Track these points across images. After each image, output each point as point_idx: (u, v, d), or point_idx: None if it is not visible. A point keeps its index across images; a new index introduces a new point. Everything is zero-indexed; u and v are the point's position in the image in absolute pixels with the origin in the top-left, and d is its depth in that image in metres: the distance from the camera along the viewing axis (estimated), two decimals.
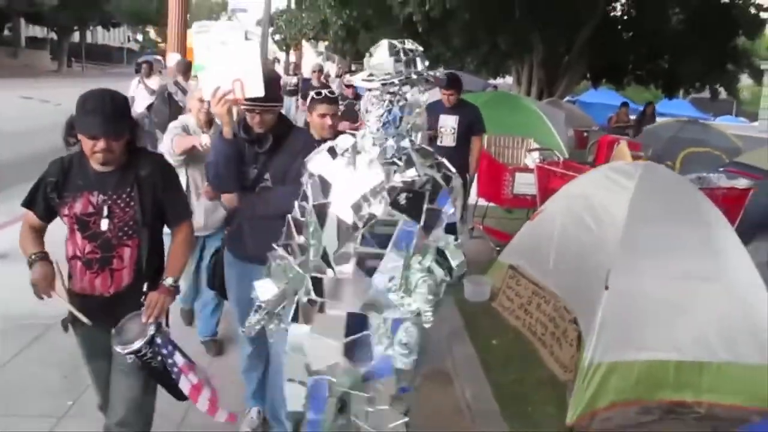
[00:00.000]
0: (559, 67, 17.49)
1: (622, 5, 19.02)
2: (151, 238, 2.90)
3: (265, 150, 3.29)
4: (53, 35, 51.05)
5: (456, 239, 2.51)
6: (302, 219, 2.63)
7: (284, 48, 38.35)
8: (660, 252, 4.11)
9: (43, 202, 2.87)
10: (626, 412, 3.96)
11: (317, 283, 2.56)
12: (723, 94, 21.05)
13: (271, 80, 3.18)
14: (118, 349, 2.74)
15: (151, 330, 2.76)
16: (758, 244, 6.05)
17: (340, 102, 3.61)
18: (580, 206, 4.84)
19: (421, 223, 2.42)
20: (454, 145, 6.56)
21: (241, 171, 3.29)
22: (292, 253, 2.66)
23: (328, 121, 3.75)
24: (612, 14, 18.83)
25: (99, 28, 61.27)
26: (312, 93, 3.90)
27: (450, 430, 3.99)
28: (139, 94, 12.70)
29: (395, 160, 2.42)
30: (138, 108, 12.15)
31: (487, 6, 14.59)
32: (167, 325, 2.98)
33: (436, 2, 13.42)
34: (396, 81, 2.32)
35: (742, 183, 6.92)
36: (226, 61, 3.02)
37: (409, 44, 2.41)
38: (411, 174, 2.42)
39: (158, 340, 2.77)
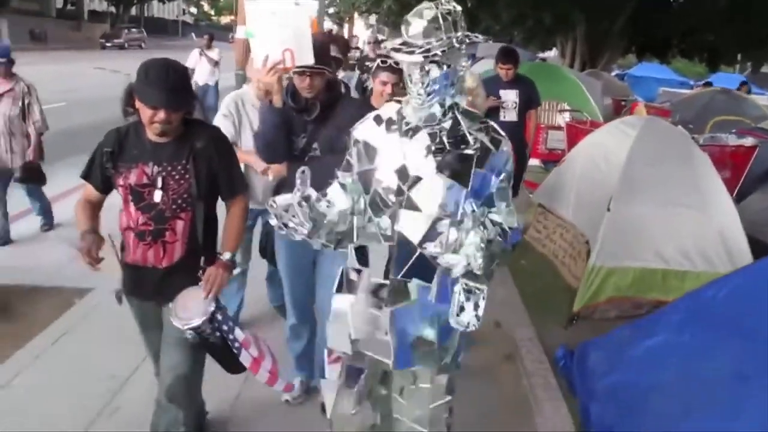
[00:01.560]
0: (601, 42, 18.29)
1: None
2: (206, 211, 2.88)
3: (313, 119, 3.27)
4: (112, 8, 53.06)
5: (508, 205, 2.42)
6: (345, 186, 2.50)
7: (338, 21, 39.41)
8: (653, 185, 5.24)
9: (100, 173, 2.86)
10: (622, 305, 5.13)
11: (361, 253, 2.51)
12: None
13: (322, 44, 3.13)
14: (177, 324, 2.72)
15: (212, 306, 2.76)
16: (757, 196, 7.13)
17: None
18: (595, 152, 5.98)
19: (469, 187, 2.31)
20: (517, 120, 6.50)
21: (290, 140, 3.28)
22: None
23: (388, 89, 3.72)
24: None
25: (155, 2, 63.13)
26: (378, 60, 3.92)
27: None
28: (201, 66, 13.14)
29: (442, 124, 2.34)
30: (199, 80, 12.98)
31: None
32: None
33: None
34: (438, 51, 2.18)
35: (748, 141, 7.95)
36: (275, 30, 3.00)
37: (445, 5, 2.27)
38: (458, 136, 2.34)
39: (219, 317, 2.77)
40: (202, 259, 2.90)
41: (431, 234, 2.32)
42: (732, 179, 7.82)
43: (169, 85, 2.65)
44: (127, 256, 2.88)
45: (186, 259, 2.87)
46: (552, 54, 29.80)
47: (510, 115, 6.52)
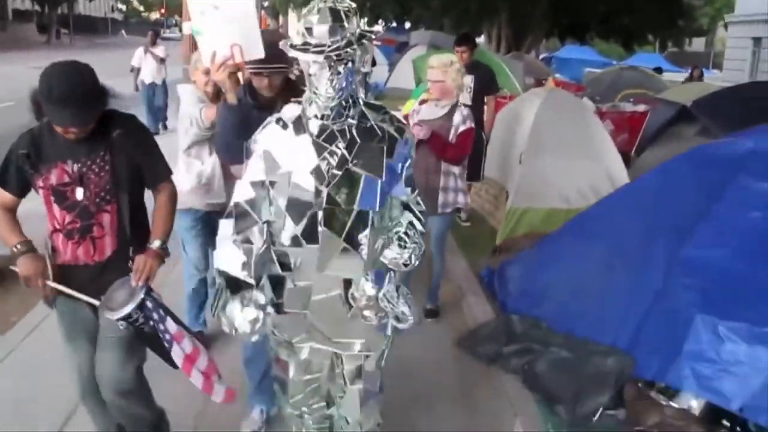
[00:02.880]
0: (524, 27, 19.74)
1: None
2: (131, 202, 2.84)
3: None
4: (37, 8, 52.23)
5: (413, 191, 2.58)
6: (253, 200, 2.47)
7: (273, 15, 40.07)
8: (554, 141, 6.49)
9: (17, 177, 2.77)
10: (535, 239, 6.39)
11: (284, 260, 2.49)
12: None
13: (275, 42, 2.86)
14: (107, 315, 2.65)
15: (141, 294, 2.67)
16: (649, 152, 8.57)
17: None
18: (510, 117, 7.22)
19: (383, 177, 2.39)
20: (471, 104, 6.46)
21: (246, 135, 3.03)
22: (251, 240, 2.46)
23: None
24: None
25: (81, 0, 62.22)
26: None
27: None
28: (146, 64, 12.70)
29: (349, 120, 2.38)
30: (146, 78, 12.68)
31: None
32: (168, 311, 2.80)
33: None
34: (341, 46, 2.23)
35: (641, 108, 9.38)
36: (221, 25, 2.92)
37: (342, 2, 2.30)
38: (366, 130, 2.40)
39: (149, 304, 2.67)
40: (131, 250, 2.85)
41: (355, 229, 2.39)
42: (630, 139, 9.26)
43: (77, 102, 2.54)
44: (58, 259, 2.81)
45: (118, 252, 2.84)
46: (480, 40, 31.33)
47: (464, 99, 6.48)
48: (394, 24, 33.11)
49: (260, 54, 2.96)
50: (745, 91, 8.97)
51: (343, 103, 2.35)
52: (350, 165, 2.37)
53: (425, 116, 4.74)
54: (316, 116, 2.38)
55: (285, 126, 2.45)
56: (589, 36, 23.53)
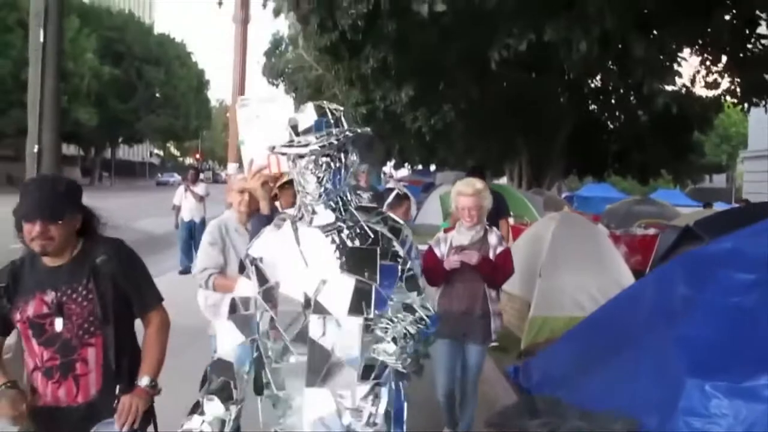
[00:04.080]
0: (543, 165, 21.06)
1: (594, 111, 22.81)
2: (119, 333, 2.64)
3: None
4: (82, 153, 55.72)
5: (419, 294, 2.42)
6: (247, 313, 2.37)
7: None
8: (569, 256, 7.35)
9: None
10: (554, 342, 7.09)
11: (276, 375, 2.35)
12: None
13: None
14: None
15: None
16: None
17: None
18: (529, 239, 8.12)
19: (377, 281, 2.27)
20: None
21: None
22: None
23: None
24: (586, 119, 22.62)
25: (122, 145, 66.31)
26: (394, 194, 4.59)
27: None
28: (186, 202, 12.75)
29: (338, 223, 2.31)
30: (185, 216, 12.61)
31: (478, 117, 18.35)
32: (156, 429, 2.69)
33: (439, 117, 17.20)
34: (334, 141, 2.18)
35: (651, 231, 10.25)
36: (261, 134, 2.85)
37: (329, 105, 2.32)
38: (358, 232, 2.32)
39: None
40: (118, 388, 2.60)
41: (347, 339, 2.26)
42: (643, 260, 10.05)
43: (44, 195, 2.50)
44: (39, 400, 2.61)
45: (105, 391, 2.60)
46: (504, 180, 32.92)
47: None
48: (420, 167, 34.98)
49: None
50: (744, 210, 9.82)
51: (332, 204, 2.30)
52: (341, 270, 2.27)
53: (460, 242, 4.63)
54: (306, 222, 2.33)
55: (275, 235, 2.39)
56: (606, 174, 24.74)
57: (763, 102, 11.84)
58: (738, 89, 12.02)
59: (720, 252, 5.00)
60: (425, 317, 2.34)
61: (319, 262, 2.30)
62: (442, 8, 6.48)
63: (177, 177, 54.73)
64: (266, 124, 2.89)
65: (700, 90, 14.17)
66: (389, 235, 2.36)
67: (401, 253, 2.36)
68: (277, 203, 3.33)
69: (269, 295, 2.34)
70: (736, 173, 55.13)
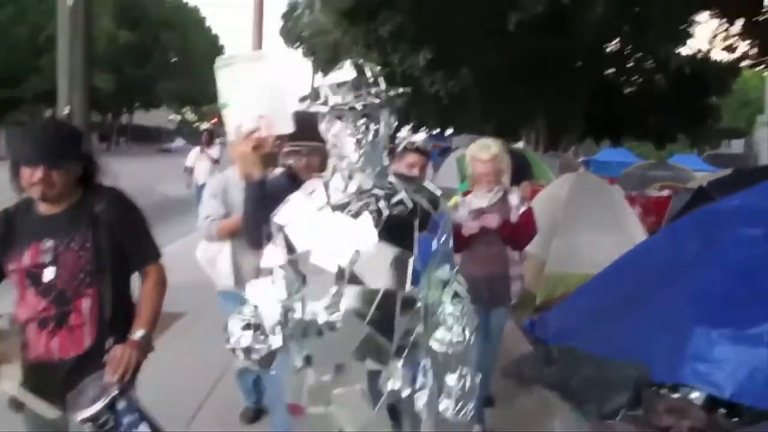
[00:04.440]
0: (560, 130, 21.14)
1: (610, 75, 22.79)
2: (115, 286, 2.56)
3: None
4: (98, 118, 56.31)
5: (452, 267, 2.33)
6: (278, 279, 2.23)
7: None
8: (585, 215, 7.55)
9: None
10: None
11: (309, 345, 2.20)
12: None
13: (308, 118, 2.48)
14: (73, 417, 2.27)
15: (114, 391, 2.30)
16: None
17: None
18: (545, 198, 8.32)
19: (415, 253, 2.13)
20: None
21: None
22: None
23: (416, 171, 3.74)
24: (603, 83, 22.61)
25: (138, 110, 66.69)
26: (405, 142, 3.98)
27: None
28: (200, 164, 12.45)
29: (376, 190, 2.17)
30: (199, 179, 12.12)
31: (495, 81, 18.42)
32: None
33: (457, 81, 17.31)
34: (375, 100, 2.07)
35: (665, 193, 10.40)
36: (249, 96, 2.58)
37: (367, 63, 2.19)
38: (396, 201, 2.18)
39: (121, 405, 2.30)
40: (113, 341, 2.52)
41: (384, 312, 2.11)
42: (657, 221, 10.20)
43: (47, 139, 2.45)
44: (30, 353, 2.53)
45: (98, 345, 2.52)
46: (521, 145, 32.97)
47: None
48: (438, 130, 35.06)
49: (289, 128, 2.59)
50: (756, 171, 9.92)
51: (369, 169, 2.14)
52: (378, 240, 2.12)
53: (478, 205, 4.35)
54: (338, 188, 2.18)
55: (305, 201, 2.25)
56: (622, 138, 24.76)
57: None
58: (756, 51, 12.04)
59: (729, 209, 5.20)
60: (463, 291, 2.33)
61: (353, 231, 2.14)
62: None
63: (180, 143, 55.15)
64: (254, 85, 2.56)
65: (717, 55, 14.19)
66: (427, 206, 2.23)
67: (439, 225, 2.25)
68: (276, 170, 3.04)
69: (298, 264, 2.19)
70: (754, 139, 54.63)
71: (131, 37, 48.41)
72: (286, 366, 2.28)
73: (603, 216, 7.61)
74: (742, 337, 4.18)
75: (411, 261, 2.14)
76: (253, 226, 2.60)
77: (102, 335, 2.55)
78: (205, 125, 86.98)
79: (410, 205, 2.21)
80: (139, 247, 2.69)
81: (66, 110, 6.79)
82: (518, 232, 4.33)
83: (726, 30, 11.74)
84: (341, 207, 2.18)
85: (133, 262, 2.68)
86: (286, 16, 38.83)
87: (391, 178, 2.25)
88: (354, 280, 2.13)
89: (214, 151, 12.62)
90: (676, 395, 4.30)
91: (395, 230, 2.15)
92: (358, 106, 2.06)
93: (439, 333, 2.25)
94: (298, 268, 2.19)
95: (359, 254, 2.13)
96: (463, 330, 2.25)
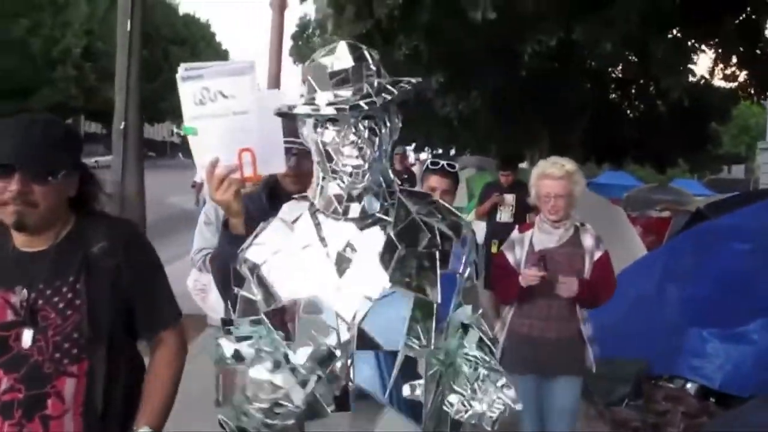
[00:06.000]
0: (562, 152, 21.80)
1: (614, 99, 23.51)
2: (113, 360, 1.82)
3: None
4: (104, 130, 56.96)
5: (476, 309, 1.78)
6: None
7: None
8: None
9: None
10: None
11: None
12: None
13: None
14: None
15: None
16: None
17: None
18: None
19: (439, 299, 1.63)
20: (512, 222, 6.66)
21: None
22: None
23: (438, 195, 2.79)
24: (606, 107, 23.34)
25: (145, 124, 67.42)
26: (428, 162, 3.51)
27: None
28: None
29: (382, 214, 1.65)
30: (207, 195, 13.83)
31: (503, 105, 19.16)
32: None
33: (467, 104, 18.05)
34: (386, 96, 1.55)
35: (665, 213, 11.08)
36: (227, 121, 1.92)
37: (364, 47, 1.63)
38: (409, 227, 1.67)
39: None
40: None
41: (405, 380, 1.61)
42: (657, 240, 10.88)
43: (28, 138, 1.72)
44: None
45: None
46: (524, 165, 33.72)
47: (505, 217, 7.23)
48: (440, 151, 35.85)
49: (281, 167, 2.10)
50: (749, 194, 10.61)
51: (374, 187, 1.64)
52: (389, 284, 1.61)
53: (543, 244, 3.46)
54: (335, 212, 1.65)
55: (287, 231, 1.70)
56: (624, 161, 25.47)
57: None
58: (751, 84, 12.73)
59: (722, 226, 5.89)
60: (487, 337, 1.77)
61: (358, 271, 1.62)
62: (493, 16, 7.19)
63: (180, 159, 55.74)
64: (231, 105, 1.93)
65: (718, 82, 14.88)
66: (449, 232, 1.71)
67: (462, 257, 1.73)
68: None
69: (281, 319, 1.64)
70: (755, 165, 55.24)
71: (143, 52, 49.30)
72: None
73: (605, 234, 8.26)
74: (729, 336, 4.85)
75: (434, 309, 1.64)
76: (227, 283, 1.97)
77: (90, 429, 1.81)
78: None
79: (427, 233, 1.69)
80: (152, 307, 1.94)
81: (122, 125, 7.54)
82: (597, 290, 3.44)
83: (725, 61, 12.43)
84: (337, 239, 1.65)
85: (142, 327, 1.95)
86: (296, 36, 39.66)
87: (401, 197, 1.72)
88: (365, 341, 1.60)
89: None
90: (671, 386, 4.96)
91: (414, 268, 1.65)
92: (363, 104, 1.52)
93: (453, 398, 1.67)
94: (282, 324, 1.64)
95: (368, 302, 1.60)
96: (490, 405, 1.62)
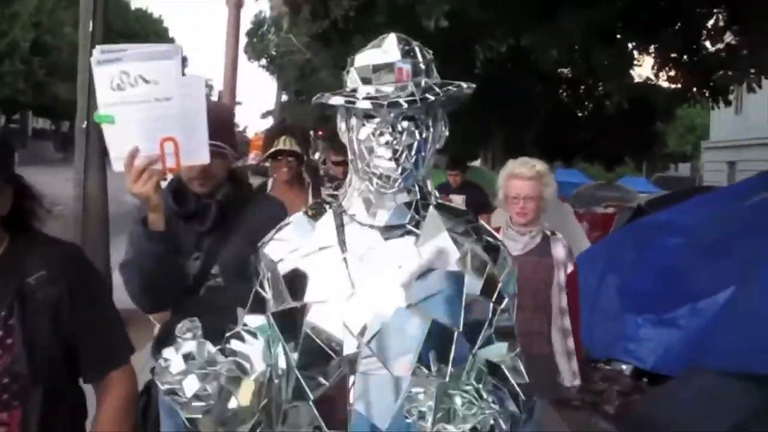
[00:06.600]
0: (516, 150, 22.36)
1: (564, 100, 24.17)
2: (52, 404, 1.57)
3: (209, 228, 2.17)
4: (53, 126, 55.73)
5: (513, 348, 1.54)
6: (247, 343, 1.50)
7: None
8: None
9: None
10: None
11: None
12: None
13: (221, 114, 2.14)
14: None
15: None
16: None
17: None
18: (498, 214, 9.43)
19: (461, 326, 1.47)
20: None
21: (177, 270, 2.09)
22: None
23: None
24: (557, 108, 23.99)
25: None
26: None
27: None
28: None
29: (409, 227, 1.53)
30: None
31: (460, 107, 19.56)
32: None
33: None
34: (430, 96, 1.43)
35: (610, 210, 11.63)
36: (148, 108, 1.81)
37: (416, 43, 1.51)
38: (438, 245, 1.52)
39: None
40: None
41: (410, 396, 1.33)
42: (603, 235, 11.39)
43: None
44: None
45: None
46: (477, 163, 34.41)
47: None
48: None
49: (204, 158, 1.93)
50: (686, 192, 11.20)
51: (407, 195, 1.53)
52: (405, 303, 1.48)
53: (511, 250, 2.49)
54: (362, 217, 1.55)
55: (306, 229, 1.60)
56: (574, 160, 26.19)
57: (710, 101, 13.12)
58: (691, 87, 13.33)
59: (658, 221, 6.37)
60: (517, 388, 1.47)
61: (374, 284, 1.51)
62: (445, 24, 7.53)
63: None
64: (152, 91, 1.81)
65: (664, 83, 15.47)
66: (483, 255, 1.56)
67: (498, 284, 1.55)
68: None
69: (291, 320, 1.54)
70: (699, 163, 56.94)
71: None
72: None
73: (554, 229, 8.72)
74: (660, 321, 5.30)
75: (455, 337, 1.48)
76: (156, 286, 2.02)
77: None
78: None
79: (458, 253, 1.54)
80: (100, 344, 1.68)
81: (83, 125, 7.67)
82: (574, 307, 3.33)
83: (664, 66, 12.97)
84: (361, 247, 1.54)
85: (87, 368, 1.68)
86: (251, 34, 39.63)
87: (434, 210, 1.58)
88: (371, 362, 1.48)
89: None
90: (608, 368, 5.39)
91: (436, 291, 1.50)
92: (402, 101, 1.42)
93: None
94: (291, 324, 1.53)
95: (382, 320, 1.48)
96: None
